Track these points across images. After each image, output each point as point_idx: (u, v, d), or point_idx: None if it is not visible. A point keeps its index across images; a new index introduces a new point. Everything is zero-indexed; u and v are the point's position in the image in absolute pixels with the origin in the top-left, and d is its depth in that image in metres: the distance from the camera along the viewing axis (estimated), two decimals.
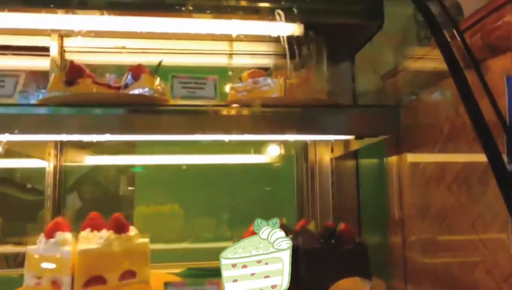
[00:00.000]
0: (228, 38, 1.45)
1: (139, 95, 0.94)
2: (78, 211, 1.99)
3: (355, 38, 1.32)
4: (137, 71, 1.00)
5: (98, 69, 1.59)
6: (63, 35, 1.41)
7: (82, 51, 1.46)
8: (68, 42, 1.43)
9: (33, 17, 1.23)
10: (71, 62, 1.02)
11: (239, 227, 1.83)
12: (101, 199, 2.17)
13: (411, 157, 1.32)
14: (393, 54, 1.40)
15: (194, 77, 0.97)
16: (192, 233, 1.78)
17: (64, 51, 1.44)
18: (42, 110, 0.92)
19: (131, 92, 0.96)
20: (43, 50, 1.41)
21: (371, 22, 1.20)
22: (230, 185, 1.81)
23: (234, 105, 0.97)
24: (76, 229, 1.10)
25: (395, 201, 1.33)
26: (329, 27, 1.32)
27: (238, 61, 1.56)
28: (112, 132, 0.92)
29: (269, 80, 1.02)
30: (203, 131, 0.92)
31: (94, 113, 0.91)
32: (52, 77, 0.98)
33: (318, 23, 1.29)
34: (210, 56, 1.52)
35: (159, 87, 0.98)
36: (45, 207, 1.32)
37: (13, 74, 0.92)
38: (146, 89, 0.96)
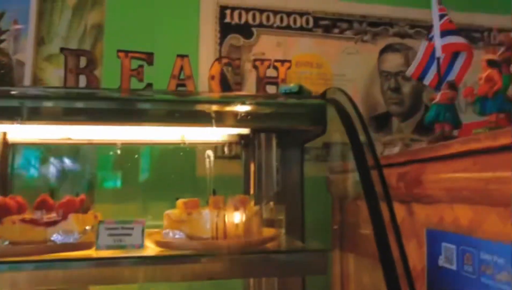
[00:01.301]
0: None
1: (61, 245, 0.94)
2: None
3: (301, 137, 1.32)
4: (66, 208, 0.99)
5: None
6: None
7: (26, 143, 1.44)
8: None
9: None
10: None
11: None
12: None
13: (353, 259, 1.35)
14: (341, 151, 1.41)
15: (121, 221, 0.97)
16: None
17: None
18: None
19: (53, 238, 0.95)
20: None
21: (314, 127, 1.21)
22: None
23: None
24: None
25: None
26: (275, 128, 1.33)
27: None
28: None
29: (204, 215, 1.02)
30: (127, 280, 0.93)
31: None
32: None
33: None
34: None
35: (87, 228, 0.98)
36: None
37: None
38: (74, 233, 0.96)
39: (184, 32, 2.17)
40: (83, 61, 1.35)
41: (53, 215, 0.98)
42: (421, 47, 1.48)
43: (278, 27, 2.21)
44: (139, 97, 1.14)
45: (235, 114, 1.15)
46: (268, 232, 1.12)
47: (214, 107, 1.15)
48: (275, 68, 1.39)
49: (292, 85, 1.26)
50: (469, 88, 1.04)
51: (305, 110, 1.20)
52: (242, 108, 1.12)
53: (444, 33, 1.35)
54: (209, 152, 1.19)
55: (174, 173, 1.67)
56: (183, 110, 1.16)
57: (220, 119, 1.16)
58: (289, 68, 1.39)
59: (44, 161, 1.75)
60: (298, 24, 2.23)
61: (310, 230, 1.36)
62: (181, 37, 2.16)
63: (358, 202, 1.30)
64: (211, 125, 1.15)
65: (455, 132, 1.20)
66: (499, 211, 0.75)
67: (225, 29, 2.18)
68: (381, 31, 2.29)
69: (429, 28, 2.30)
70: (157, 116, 1.15)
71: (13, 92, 1.11)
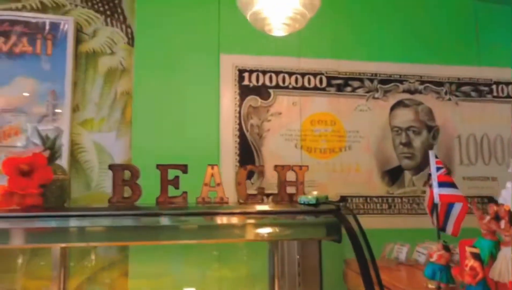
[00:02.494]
0: None
1: None
2: None
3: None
4: None
5: None
6: None
7: None
8: None
9: None
10: None
11: None
12: None
13: None
14: None
15: None
16: None
17: None
18: None
19: None
20: None
21: (330, 238, 1.36)
22: None
23: None
24: None
25: None
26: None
27: None
28: None
29: None
30: None
31: None
32: None
33: None
34: None
35: None
36: None
37: None
38: None
39: (206, 95, 2.33)
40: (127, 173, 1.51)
41: None
42: (426, 192, 1.62)
43: (294, 88, 2.36)
44: (174, 219, 1.29)
45: (259, 232, 1.31)
46: None
47: (240, 227, 1.31)
48: (294, 171, 1.54)
49: (310, 197, 1.40)
50: (457, 269, 1.20)
51: (322, 225, 1.35)
52: (265, 229, 1.28)
53: (441, 184, 1.49)
54: None
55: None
56: (213, 227, 1.32)
57: (244, 235, 1.32)
58: (306, 171, 1.54)
59: None
60: (312, 84, 2.37)
61: None
62: (203, 99, 2.32)
63: None
64: (239, 241, 1.31)
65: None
66: None
67: (244, 91, 2.33)
68: (391, 87, 2.42)
69: (437, 84, 2.42)
70: (187, 235, 1.31)
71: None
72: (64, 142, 2.21)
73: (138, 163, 2.17)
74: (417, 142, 2.37)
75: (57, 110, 2.25)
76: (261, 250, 1.79)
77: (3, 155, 1.32)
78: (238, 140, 2.26)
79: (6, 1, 2.26)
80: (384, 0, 2.47)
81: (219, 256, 1.95)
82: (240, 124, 2.29)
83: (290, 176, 1.54)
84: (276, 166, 1.57)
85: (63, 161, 2.10)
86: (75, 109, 2.29)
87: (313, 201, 1.38)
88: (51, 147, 1.34)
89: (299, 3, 1.50)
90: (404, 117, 2.39)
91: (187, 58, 2.30)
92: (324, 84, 2.36)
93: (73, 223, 1.22)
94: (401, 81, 2.41)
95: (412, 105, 2.40)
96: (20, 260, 1.99)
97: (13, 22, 2.22)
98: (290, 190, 1.51)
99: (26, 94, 2.21)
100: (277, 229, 1.31)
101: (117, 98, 2.32)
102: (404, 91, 2.41)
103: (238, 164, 2.24)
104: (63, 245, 1.30)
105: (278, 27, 1.56)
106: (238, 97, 2.32)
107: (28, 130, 2.12)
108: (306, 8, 1.53)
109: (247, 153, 2.26)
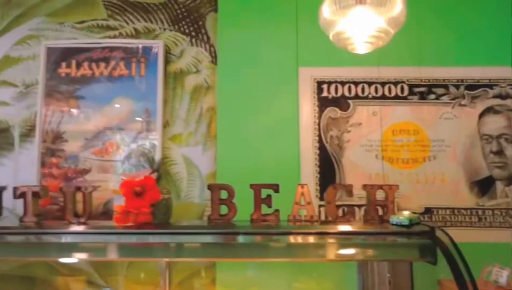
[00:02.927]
0: None
1: None
2: None
3: None
4: None
5: None
6: None
7: None
8: None
9: None
10: None
11: None
12: None
13: None
14: None
15: None
16: None
17: None
18: None
19: None
20: None
21: (424, 260, 1.35)
22: None
23: None
24: None
25: None
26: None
27: None
28: None
29: None
30: None
31: None
32: None
33: None
34: None
35: None
36: None
37: None
38: None
39: (286, 108, 2.39)
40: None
41: None
42: None
43: (373, 97, 2.35)
44: (269, 238, 1.37)
45: (350, 252, 1.34)
46: None
47: (330, 247, 1.35)
48: (383, 190, 1.54)
49: (402, 218, 1.40)
50: None
51: (415, 246, 1.35)
52: (356, 249, 1.31)
53: None
54: None
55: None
56: (305, 246, 1.38)
57: (335, 256, 1.36)
58: (396, 190, 1.54)
59: None
60: (393, 93, 2.34)
61: None
62: (283, 112, 2.38)
63: None
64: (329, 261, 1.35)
65: None
66: None
67: (323, 103, 2.36)
68: (479, 93, 2.30)
69: None
70: (281, 253, 1.38)
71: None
72: (157, 155, 2.41)
73: (223, 175, 2.31)
74: (510, 150, 2.23)
75: (150, 127, 2.45)
76: (350, 266, 1.82)
77: (120, 179, 1.49)
78: (318, 151, 2.30)
79: (106, 29, 2.52)
80: (468, 1, 2.35)
81: (306, 268, 2.01)
82: (319, 135, 2.32)
83: (379, 193, 1.55)
84: (364, 186, 1.59)
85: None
86: (165, 125, 2.47)
87: (406, 222, 1.37)
88: (157, 170, 1.50)
89: (384, 21, 1.50)
90: (495, 124, 2.26)
91: (266, 73, 2.39)
92: (406, 92, 2.32)
93: (180, 239, 1.35)
94: (490, 86, 2.29)
95: (503, 111, 2.27)
96: (126, 266, 2.23)
97: (112, 49, 2.46)
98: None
99: (124, 112, 2.44)
100: (368, 250, 1.34)
101: (202, 114, 2.47)
102: (494, 97, 2.28)
103: (318, 175, 2.29)
104: (166, 259, 1.44)
105: (361, 46, 1.58)
106: (317, 109, 2.36)
107: (134, 152, 2.34)
108: (390, 26, 1.52)
109: (327, 165, 2.29)
